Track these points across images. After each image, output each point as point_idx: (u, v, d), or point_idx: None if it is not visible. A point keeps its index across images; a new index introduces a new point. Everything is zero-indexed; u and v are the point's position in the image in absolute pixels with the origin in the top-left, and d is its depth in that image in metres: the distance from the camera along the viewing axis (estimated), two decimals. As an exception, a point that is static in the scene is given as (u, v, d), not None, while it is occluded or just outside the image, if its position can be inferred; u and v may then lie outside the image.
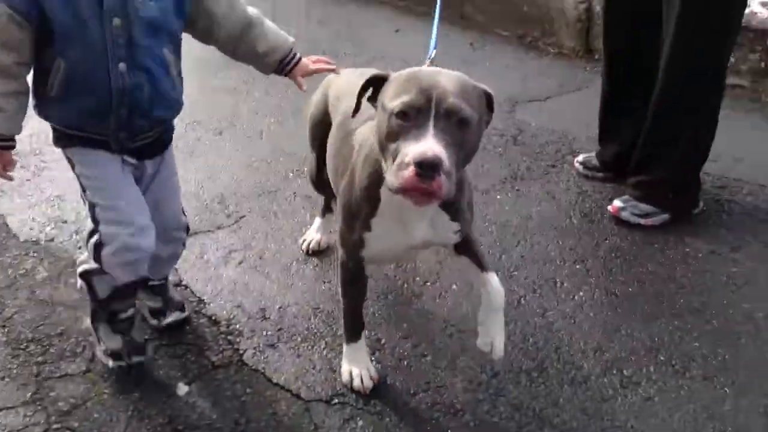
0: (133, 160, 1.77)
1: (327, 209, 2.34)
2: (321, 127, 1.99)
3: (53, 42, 1.58)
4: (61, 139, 1.75)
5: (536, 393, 1.85)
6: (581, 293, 2.20)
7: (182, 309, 2.07)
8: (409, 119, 1.37)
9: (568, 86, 3.62)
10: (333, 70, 1.92)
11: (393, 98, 1.41)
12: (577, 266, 2.32)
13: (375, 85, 1.52)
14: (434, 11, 1.93)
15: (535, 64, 3.92)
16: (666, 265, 2.32)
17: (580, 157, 2.87)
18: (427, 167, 1.32)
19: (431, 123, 1.36)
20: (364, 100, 1.55)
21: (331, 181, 1.90)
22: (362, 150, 1.64)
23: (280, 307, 2.14)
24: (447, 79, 1.42)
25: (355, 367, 1.86)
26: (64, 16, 1.55)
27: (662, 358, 1.95)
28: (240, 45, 1.81)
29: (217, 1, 1.75)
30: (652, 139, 2.51)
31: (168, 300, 2.07)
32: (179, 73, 1.75)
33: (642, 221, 2.52)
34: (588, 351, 1.98)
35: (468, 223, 1.70)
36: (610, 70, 2.67)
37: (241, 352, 1.97)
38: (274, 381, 1.88)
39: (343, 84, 1.90)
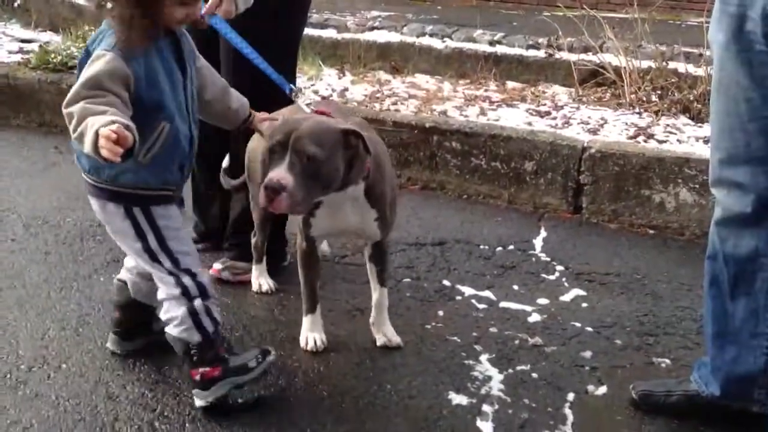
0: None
1: None
2: None
3: (159, 107, 1.88)
4: (131, 200, 1.95)
5: None
6: (193, 346, 2.36)
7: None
8: (275, 153, 1.93)
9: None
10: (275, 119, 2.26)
11: (270, 137, 1.98)
12: (187, 324, 2.48)
13: None
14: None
15: (126, 160, 4.04)
16: (264, 308, 2.61)
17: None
18: (270, 189, 1.88)
19: (287, 157, 1.90)
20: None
21: None
22: None
23: None
24: (307, 124, 1.96)
25: (311, 332, 2.36)
26: (164, 84, 1.89)
27: (269, 381, 2.19)
28: (218, 104, 2.18)
29: (205, 69, 2.16)
30: (241, 209, 2.82)
31: None
32: None
33: (240, 278, 2.79)
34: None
35: (387, 217, 2.24)
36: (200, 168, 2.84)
37: None
38: None
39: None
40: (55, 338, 2.35)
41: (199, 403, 2.02)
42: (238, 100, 2.23)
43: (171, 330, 2.02)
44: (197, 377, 2.00)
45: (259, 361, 2.07)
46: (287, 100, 2.82)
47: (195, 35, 2.73)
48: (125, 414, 2.02)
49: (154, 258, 1.99)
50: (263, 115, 2.31)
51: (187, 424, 1.99)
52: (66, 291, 2.63)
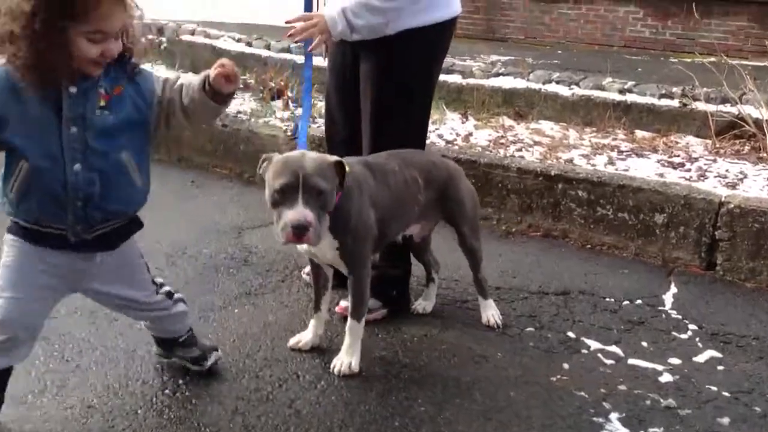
0: (82, 254, 2.00)
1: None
2: None
3: (16, 147, 1.87)
4: (14, 230, 1.98)
5: (292, 472, 1.98)
6: (322, 382, 2.42)
7: (217, 349, 2.45)
8: (286, 193, 2.08)
9: (289, 212, 3.98)
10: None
11: (274, 178, 2.10)
12: (316, 360, 2.55)
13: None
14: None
15: (256, 196, 4.24)
16: (388, 349, 2.65)
17: (307, 269, 3.16)
18: (300, 228, 2.06)
19: (300, 196, 2.08)
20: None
21: None
22: None
23: None
24: (309, 161, 2.12)
25: (303, 334, 2.63)
26: (22, 124, 1.86)
27: (397, 424, 2.21)
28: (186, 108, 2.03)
29: (165, 85, 2.03)
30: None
31: (202, 346, 2.41)
32: (142, 170, 2.02)
33: (366, 317, 2.84)
34: (334, 428, 2.18)
35: (349, 248, 2.36)
36: None
37: None
38: None
39: None
40: (194, 366, 2.47)
41: None
42: (186, 94, 2.04)
43: None
44: None
45: None
46: (422, 145, 2.90)
47: (342, 83, 2.88)
48: (260, 445, 2.10)
49: None
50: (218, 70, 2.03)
51: (317, 460, 2.04)
52: (204, 320, 2.77)
